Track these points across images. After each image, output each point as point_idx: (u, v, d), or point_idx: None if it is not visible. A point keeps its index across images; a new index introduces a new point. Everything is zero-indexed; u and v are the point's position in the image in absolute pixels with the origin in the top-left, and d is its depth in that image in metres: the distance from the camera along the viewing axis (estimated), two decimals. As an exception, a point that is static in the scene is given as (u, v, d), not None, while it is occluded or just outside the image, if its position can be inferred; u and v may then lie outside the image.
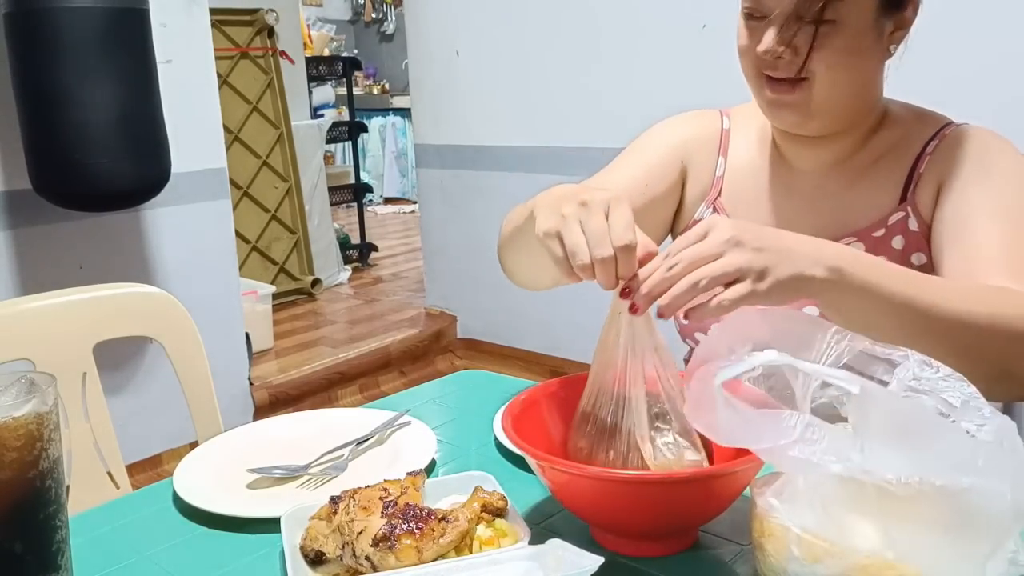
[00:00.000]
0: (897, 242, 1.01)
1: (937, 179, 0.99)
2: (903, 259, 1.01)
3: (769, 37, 0.94)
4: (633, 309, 0.73)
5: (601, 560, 0.60)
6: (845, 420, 0.65)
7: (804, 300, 0.76)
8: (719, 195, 1.14)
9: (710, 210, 1.14)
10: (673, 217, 1.18)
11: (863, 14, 0.93)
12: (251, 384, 3.01)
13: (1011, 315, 0.80)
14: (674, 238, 1.20)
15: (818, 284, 0.74)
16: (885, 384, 0.64)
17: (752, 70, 1.00)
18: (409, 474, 0.78)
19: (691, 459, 0.73)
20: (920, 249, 1.00)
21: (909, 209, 1.01)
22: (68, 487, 0.71)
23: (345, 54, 7.37)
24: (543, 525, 0.80)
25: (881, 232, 1.02)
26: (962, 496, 0.54)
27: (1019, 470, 0.55)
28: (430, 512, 0.70)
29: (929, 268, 1.00)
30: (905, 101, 1.08)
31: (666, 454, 0.73)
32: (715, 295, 0.71)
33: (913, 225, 1.00)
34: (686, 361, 1.20)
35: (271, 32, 4.18)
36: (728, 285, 0.72)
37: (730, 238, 0.72)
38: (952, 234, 0.95)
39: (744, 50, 1.00)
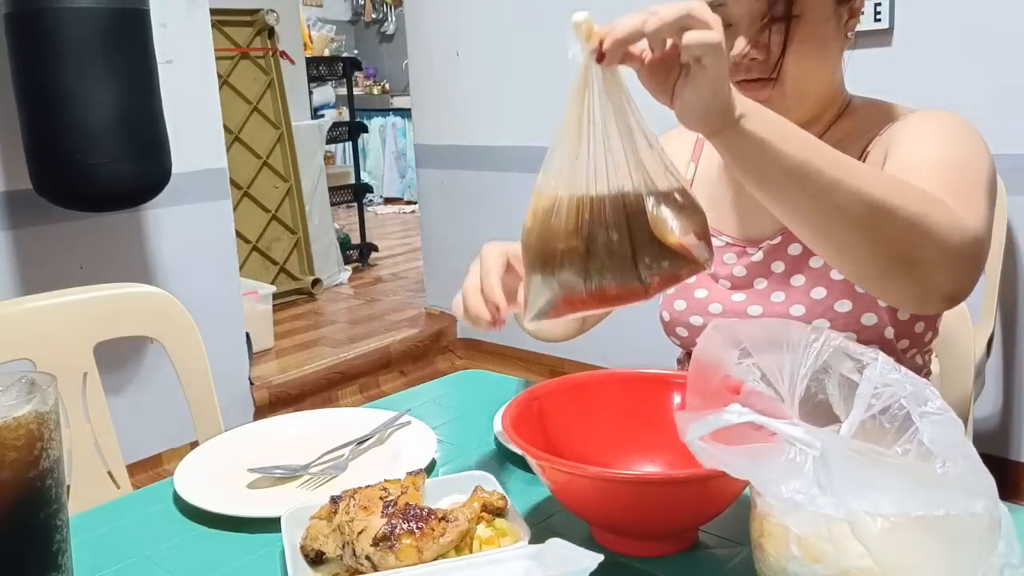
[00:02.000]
0: None
1: (885, 147, 0.99)
2: None
3: (741, 43, 0.96)
4: (600, 57, 0.69)
5: (600, 558, 0.60)
6: (839, 421, 0.66)
7: (703, 132, 0.75)
8: None
9: None
10: None
11: (822, 5, 0.96)
12: (251, 384, 3.01)
13: (914, 202, 0.78)
14: None
15: (722, 118, 0.73)
16: (854, 383, 0.65)
17: None
18: (409, 474, 0.78)
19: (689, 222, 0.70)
20: None
21: None
22: (68, 487, 0.71)
23: (345, 54, 7.37)
24: (543, 525, 0.80)
25: None
26: (938, 525, 0.55)
27: (982, 483, 0.56)
28: (430, 512, 0.71)
29: None
30: (872, 97, 1.08)
31: (671, 224, 0.70)
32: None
33: None
34: (679, 363, 1.21)
35: (271, 32, 4.18)
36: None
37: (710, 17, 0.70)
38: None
39: None
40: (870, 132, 1.03)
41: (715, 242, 1.11)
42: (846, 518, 0.55)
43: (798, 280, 1.03)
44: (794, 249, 1.05)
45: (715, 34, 0.69)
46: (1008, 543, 0.56)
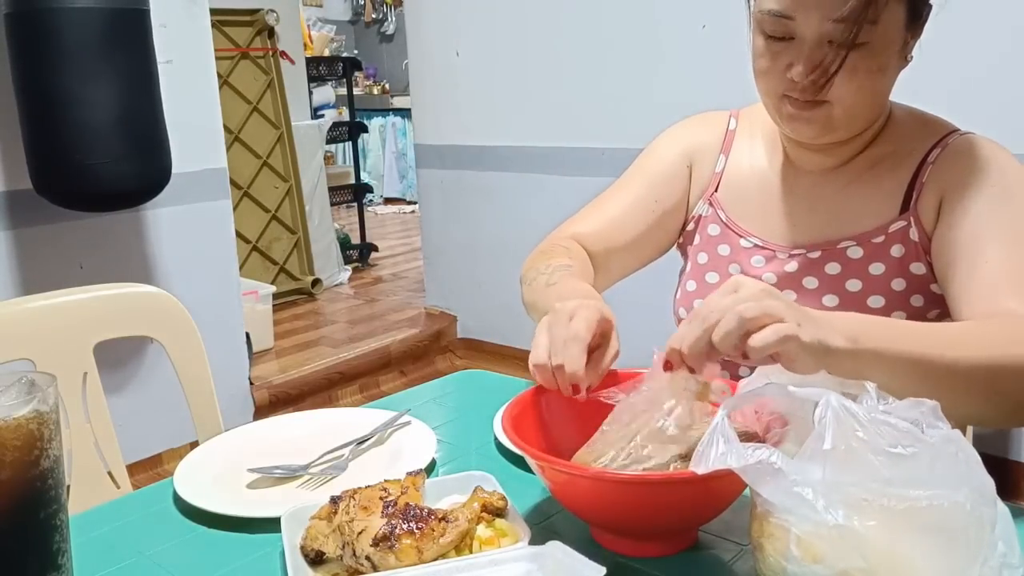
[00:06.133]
0: (896, 250, 1.01)
1: (939, 190, 0.98)
2: (902, 267, 1.00)
3: (800, 64, 0.92)
4: (666, 367, 0.75)
5: (603, 571, 0.59)
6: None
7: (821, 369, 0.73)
8: (716, 190, 1.14)
9: (707, 205, 1.15)
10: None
11: (893, 34, 0.92)
12: (251, 384, 3.01)
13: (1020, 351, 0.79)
14: (681, 236, 1.20)
15: (838, 354, 0.71)
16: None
17: (772, 91, 0.98)
18: (409, 474, 0.78)
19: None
20: (919, 259, 1.00)
21: (911, 219, 1.00)
22: (68, 487, 0.71)
23: (345, 54, 7.37)
24: (543, 525, 0.80)
25: (881, 239, 1.01)
26: (925, 517, 0.55)
27: (969, 475, 0.56)
28: (430, 512, 0.70)
29: (928, 279, 1.00)
30: (909, 106, 1.07)
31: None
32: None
33: (914, 235, 1.00)
34: None
35: (271, 32, 4.18)
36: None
37: (764, 289, 0.71)
38: (959, 252, 0.94)
39: (767, 71, 0.96)
40: (914, 154, 1.02)
41: (743, 243, 1.10)
42: (834, 526, 0.56)
43: (831, 300, 1.02)
44: (832, 268, 1.03)
45: (790, 330, 0.67)
46: (1008, 543, 0.56)
